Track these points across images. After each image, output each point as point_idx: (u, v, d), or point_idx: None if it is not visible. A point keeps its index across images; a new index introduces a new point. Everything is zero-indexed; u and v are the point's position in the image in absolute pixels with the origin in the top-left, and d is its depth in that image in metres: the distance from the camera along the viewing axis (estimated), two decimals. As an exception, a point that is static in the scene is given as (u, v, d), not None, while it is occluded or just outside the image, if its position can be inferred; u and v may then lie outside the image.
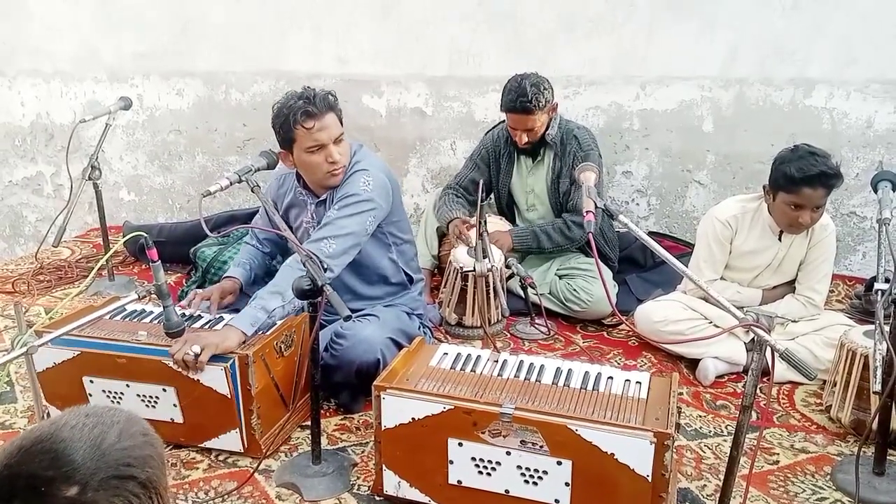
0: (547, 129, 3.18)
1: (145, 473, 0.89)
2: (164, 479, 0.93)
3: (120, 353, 2.14)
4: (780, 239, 2.71)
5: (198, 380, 2.09)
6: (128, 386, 2.17)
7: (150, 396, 2.17)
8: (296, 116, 2.34)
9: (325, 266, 2.27)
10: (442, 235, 3.48)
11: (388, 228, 2.59)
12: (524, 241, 3.24)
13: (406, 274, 2.72)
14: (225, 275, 2.65)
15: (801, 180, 2.49)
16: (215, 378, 2.08)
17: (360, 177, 2.45)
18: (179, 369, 2.07)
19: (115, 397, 2.20)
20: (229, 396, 2.09)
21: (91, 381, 2.20)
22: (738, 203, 2.80)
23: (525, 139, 3.16)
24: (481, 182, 2.86)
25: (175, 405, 2.16)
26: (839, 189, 3.43)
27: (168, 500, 0.94)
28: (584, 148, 3.17)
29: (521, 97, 3.04)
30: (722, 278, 2.83)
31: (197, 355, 2.03)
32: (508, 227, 3.33)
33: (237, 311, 2.40)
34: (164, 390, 2.14)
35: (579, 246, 3.27)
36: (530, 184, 3.34)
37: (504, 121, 3.30)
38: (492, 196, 3.49)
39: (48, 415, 1.95)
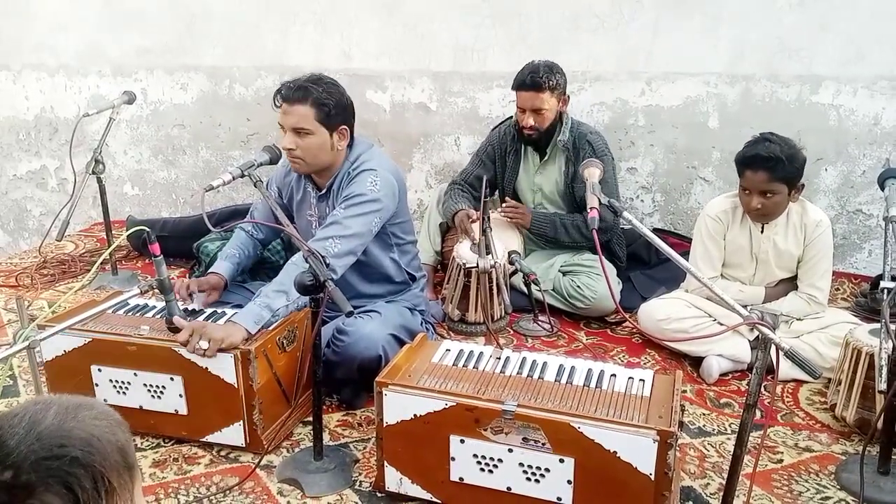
0: (557, 129, 3.17)
1: (86, 456, 0.87)
2: (117, 462, 0.90)
3: (130, 342, 2.16)
4: (762, 231, 2.72)
5: (206, 368, 2.09)
6: (135, 375, 2.18)
7: (157, 386, 2.18)
8: (275, 93, 2.41)
9: (329, 266, 2.27)
10: (445, 231, 3.47)
11: (392, 229, 2.58)
12: (542, 226, 3.24)
13: (408, 273, 2.71)
14: (211, 269, 2.62)
15: (740, 162, 2.62)
16: (224, 367, 2.08)
17: (367, 176, 2.43)
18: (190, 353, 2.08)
19: (121, 387, 2.21)
20: (236, 385, 2.09)
21: (99, 370, 2.21)
22: (728, 198, 2.81)
23: (531, 122, 3.12)
24: (485, 178, 2.85)
25: (181, 395, 2.16)
26: (846, 187, 3.44)
27: (122, 489, 0.90)
28: (599, 153, 3.15)
29: (533, 73, 3.06)
30: (723, 276, 2.83)
31: (205, 350, 2.04)
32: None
33: (237, 305, 2.40)
34: (172, 379, 2.15)
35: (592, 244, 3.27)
36: (538, 183, 3.33)
37: (511, 117, 3.29)
38: (497, 193, 3.49)
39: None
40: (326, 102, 2.37)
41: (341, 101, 2.42)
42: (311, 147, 2.40)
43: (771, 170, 2.53)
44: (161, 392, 2.19)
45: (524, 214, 3.25)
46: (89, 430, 0.89)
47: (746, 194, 2.63)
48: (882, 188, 2.22)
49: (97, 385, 2.23)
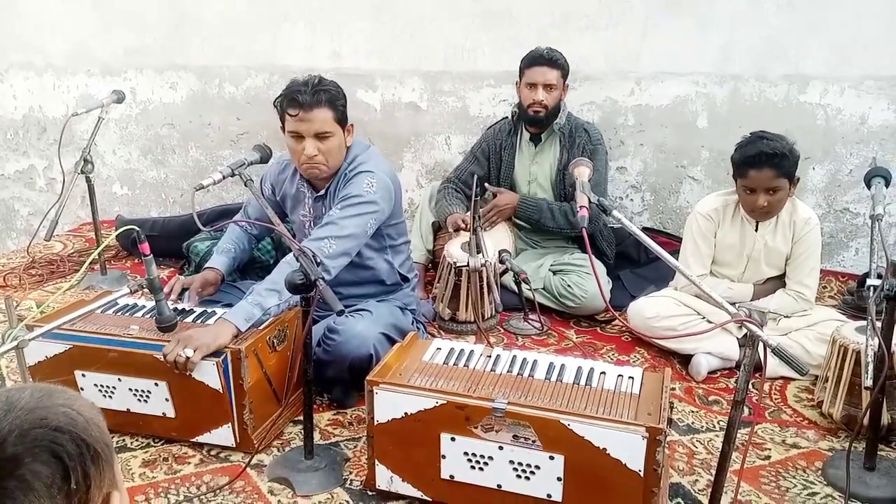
0: (556, 113, 3.20)
1: (68, 424, 0.89)
2: (96, 436, 0.91)
3: (111, 347, 2.13)
4: (756, 229, 2.74)
5: (190, 374, 2.08)
6: (119, 380, 2.17)
7: (142, 391, 2.16)
8: (284, 101, 2.36)
9: (323, 266, 2.27)
10: (436, 230, 3.48)
11: (386, 231, 2.58)
12: (528, 209, 3.28)
13: (400, 274, 2.71)
14: (207, 264, 2.63)
15: (743, 163, 2.59)
16: (207, 373, 2.07)
17: (364, 178, 2.42)
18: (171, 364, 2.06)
19: (106, 391, 2.20)
20: (221, 391, 2.08)
21: (83, 375, 2.19)
22: (720, 197, 2.83)
23: (541, 97, 3.16)
24: (476, 177, 2.86)
25: (167, 399, 2.15)
26: (833, 186, 3.47)
27: (106, 461, 0.91)
28: (594, 142, 3.23)
29: (548, 50, 3.18)
30: (712, 274, 2.84)
31: (188, 358, 2.02)
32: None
33: (227, 304, 2.39)
34: (156, 384, 2.14)
35: (578, 234, 3.28)
36: (533, 172, 3.35)
37: (506, 117, 3.31)
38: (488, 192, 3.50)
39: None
40: (339, 101, 2.38)
41: (345, 99, 2.43)
42: (333, 149, 2.40)
43: (776, 166, 2.53)
44: (147, 396, 2.17)
45: (506, 206, 3.28)
46: (68, 405, 0.91)
47: (749, 194, 2.61)
48: (868, 187, 2.23)
49: (82, 389, 2.20)
